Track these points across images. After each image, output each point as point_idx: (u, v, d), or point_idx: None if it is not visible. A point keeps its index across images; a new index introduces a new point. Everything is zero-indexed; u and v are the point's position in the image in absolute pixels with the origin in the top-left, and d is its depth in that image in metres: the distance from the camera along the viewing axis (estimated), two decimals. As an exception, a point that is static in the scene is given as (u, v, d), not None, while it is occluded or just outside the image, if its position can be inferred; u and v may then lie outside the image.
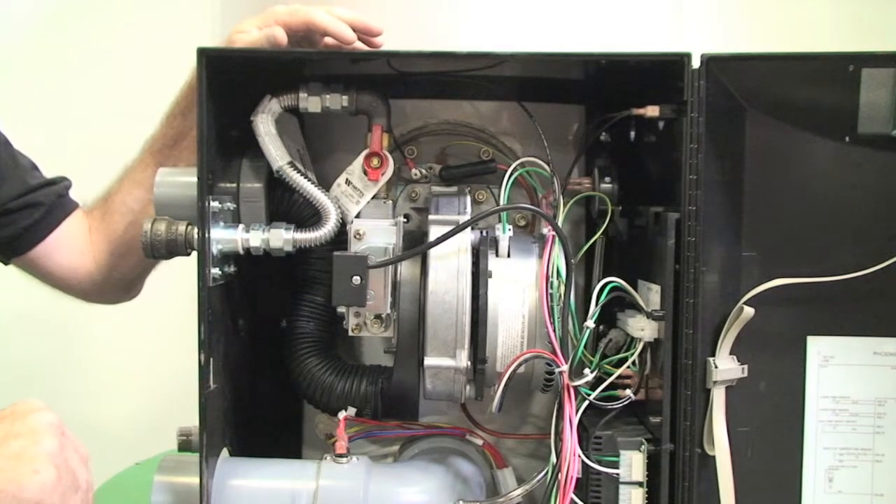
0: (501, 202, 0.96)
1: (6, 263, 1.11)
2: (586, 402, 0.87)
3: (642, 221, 0.92)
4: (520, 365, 0.87)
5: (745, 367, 0.85)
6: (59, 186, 1.10)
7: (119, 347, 1.88)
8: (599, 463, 0.86)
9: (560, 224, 0.93)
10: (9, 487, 0.68)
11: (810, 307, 0.85)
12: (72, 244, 1.10)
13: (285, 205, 0.92)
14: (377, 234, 0.90)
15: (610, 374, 0.88)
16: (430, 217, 0.92)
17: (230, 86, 0.85)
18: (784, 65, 0.84)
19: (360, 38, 0.91)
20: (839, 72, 0.82)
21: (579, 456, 0.84)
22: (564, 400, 0.85)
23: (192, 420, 0.85)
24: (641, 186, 0.95)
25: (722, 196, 0.84)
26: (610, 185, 0.96)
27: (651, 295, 0.87)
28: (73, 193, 1.13)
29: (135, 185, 1.07)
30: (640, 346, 0.87)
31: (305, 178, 0.90)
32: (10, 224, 1.06)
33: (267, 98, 0.90)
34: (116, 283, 1.12)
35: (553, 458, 0.85)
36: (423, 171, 1.02)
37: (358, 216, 0.92)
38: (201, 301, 0.82)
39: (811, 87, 0.84)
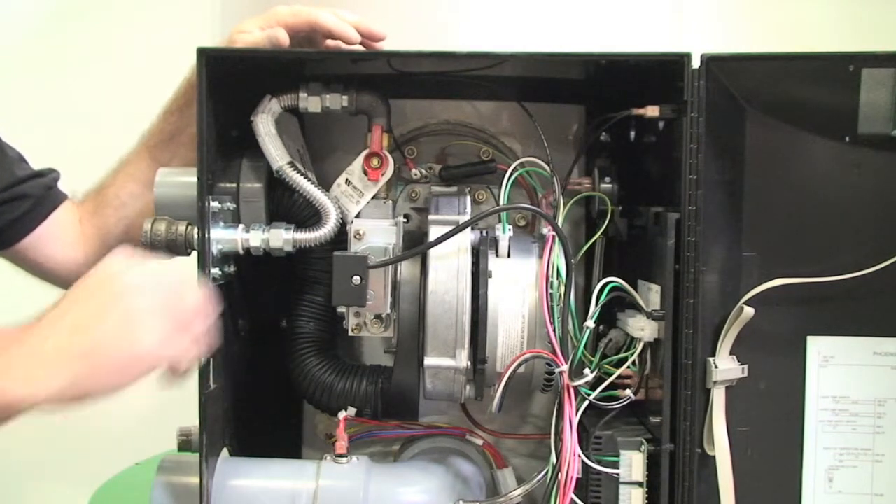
0: (501, 202, 0.96)
1: None
2: (586, 402, 0.87)
3: (642, 221, 0.92)
4: (520, 365, 0.87)
5: (745, 367, 0.85)
6: (48, 178, 1.09)
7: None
8: (599, 463, 0.86)
9: (560, 224, 0.93)
10: (121, 346, 0.68)
11: (810, 307, 0.85)
12: (61, 236, 1.09)
13: (285, 205, 0.92)
14: (377, 234, 0.90)
15: (610, 374, 0.88)
16: (430, 217, 0.92)
17: (230, 86, 0.85)
18: (784, 65, 0.84)
19: (362, 43, 0.91)
20: (839, 72, 0.82)
21: (579, 456, 0.84)
22: (564, 400, 0.85)
23: (192, 420, 0.85)
24: (641, 186, 0.95)
25: (722, 196, 0.84)
26: (610, 185, 0.96)
27: (651, 295, 0.87)
28: (73, 192, 1.13)
29: (129, 178, 1.06)
30: (640, 346, 0.87)
31: (305, 178, 0.90)
32: None
33: (267, 98, 0.90)
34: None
35: (553, 458, 0.85)
36: (423, 171, 1.02)
37: (358, 216, 0.92)
38: (201, 301, 0.82)
39: (811, 87, 0.84)
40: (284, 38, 0.88)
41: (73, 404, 0.68)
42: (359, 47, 0.91)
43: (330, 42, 0.91)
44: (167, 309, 0.72)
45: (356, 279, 0.86)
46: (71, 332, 0.68)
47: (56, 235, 1.09)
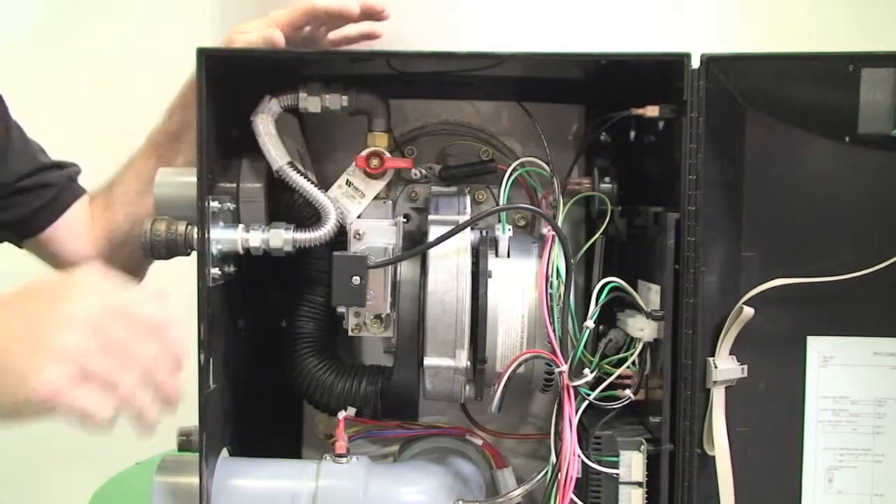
0: (501, 202, 0.96)
1: (20, 246, 1.11)
2: (586, 402, 0.87)
3: (642, 221, 0.92)
4: (519, 365, 0.87)
5: (745, 367, 0.85)
6: (70, 170, 1.11)
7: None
8: (599, 463, 0.86)
9: (560, 224, 0.93)
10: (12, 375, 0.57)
11: (810, 307, 0.85)
12: (79, 230, 1.10)
13: (285, 205, 0.92)
14: (377, 234, 0.90)
15: (610, 374, 0.88)
16: (430, 217, 0.92)
17: (230, 86, 0.85)
18: (784, 65, 0.84)
19: (365, 34, 0.91)
20: (839, 72, 0.82)
21: (579, 456, 0.84)
22: (564, 400, 0.85)
23: (192, 420, 0.85)
24: (641, 186, 0.95)
25: (722, 196, 0.84)
26: (610, 185, 0.96)
27: (651, 295, 0.87)
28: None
29: (136, 177, 1.07)
30: (639, 346, 0.87)
31: (305, 178, 0.89)
32: (22, 204, 1.06)
33: (267, 98, 0.90)
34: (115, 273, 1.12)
35: (553, 458, 0.85)
36: (423, 171, 1.02)
37: (359, 216, 0.92)
38: (201, 301, 0.82)
39: (811, 87, 0.84)
40: (280, 38, 0.88)
41: None
42: (359, 46, 0.91)
43: (331, 37, 0.91)
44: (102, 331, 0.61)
45: (356, 279, 0.86)
46: None
47: (75, 229, 1.10)
